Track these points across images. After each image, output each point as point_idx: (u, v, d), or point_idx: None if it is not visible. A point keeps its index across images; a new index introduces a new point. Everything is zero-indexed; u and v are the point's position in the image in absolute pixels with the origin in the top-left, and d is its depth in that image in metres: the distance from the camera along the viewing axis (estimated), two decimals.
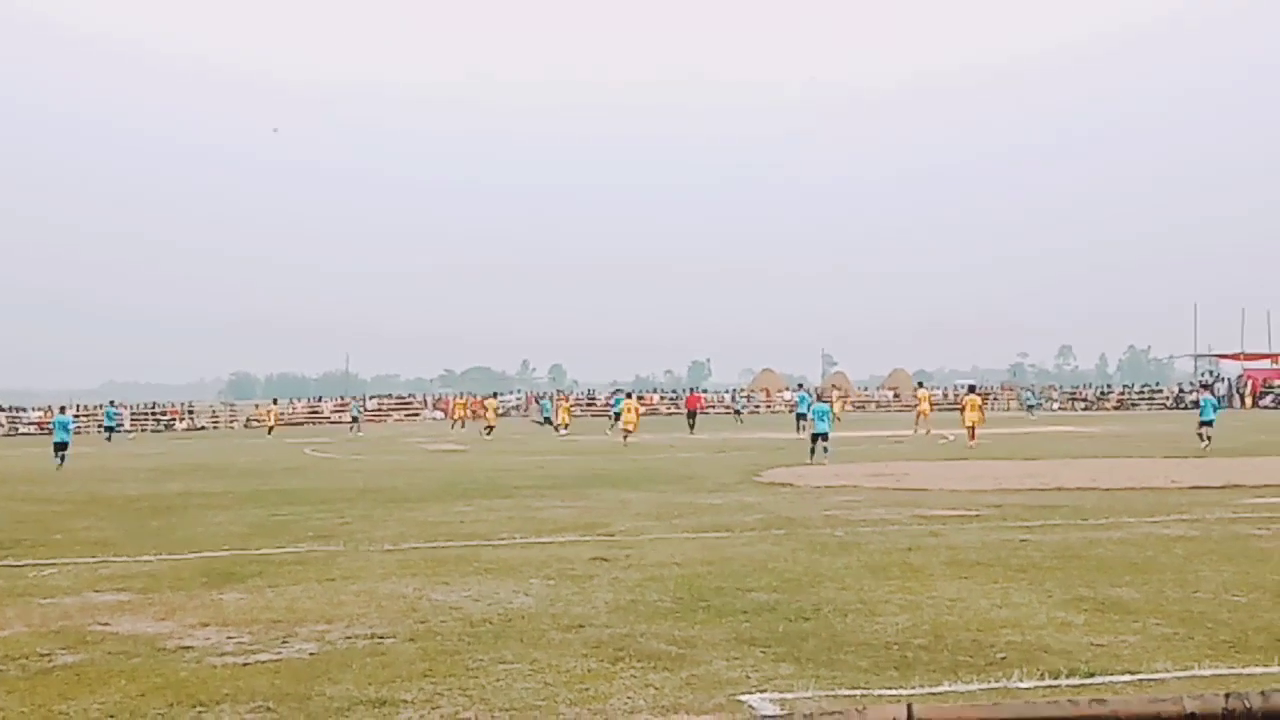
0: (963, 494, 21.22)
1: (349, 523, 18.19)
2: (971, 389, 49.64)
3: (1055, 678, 7.94)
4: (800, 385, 70.54)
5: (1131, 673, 8.06)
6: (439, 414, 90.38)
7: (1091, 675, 7.98)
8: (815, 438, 30.97)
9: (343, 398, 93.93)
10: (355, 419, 68.71)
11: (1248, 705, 1.68)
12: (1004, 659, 8.51)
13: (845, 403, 72.20)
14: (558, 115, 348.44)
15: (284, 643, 9.57)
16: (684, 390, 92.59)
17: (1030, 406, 75.62)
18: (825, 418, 31.66)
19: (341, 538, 16.30)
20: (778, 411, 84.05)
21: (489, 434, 53.28)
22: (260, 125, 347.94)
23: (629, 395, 57.69)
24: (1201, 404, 37.88)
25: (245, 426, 79.87)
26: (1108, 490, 21.44)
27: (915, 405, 51.18)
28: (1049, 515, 17.39)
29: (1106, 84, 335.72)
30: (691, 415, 58.42)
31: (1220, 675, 7.88)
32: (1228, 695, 1.69)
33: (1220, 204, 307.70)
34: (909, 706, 1.70)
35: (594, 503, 20.76)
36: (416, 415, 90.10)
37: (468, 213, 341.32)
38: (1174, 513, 17.44)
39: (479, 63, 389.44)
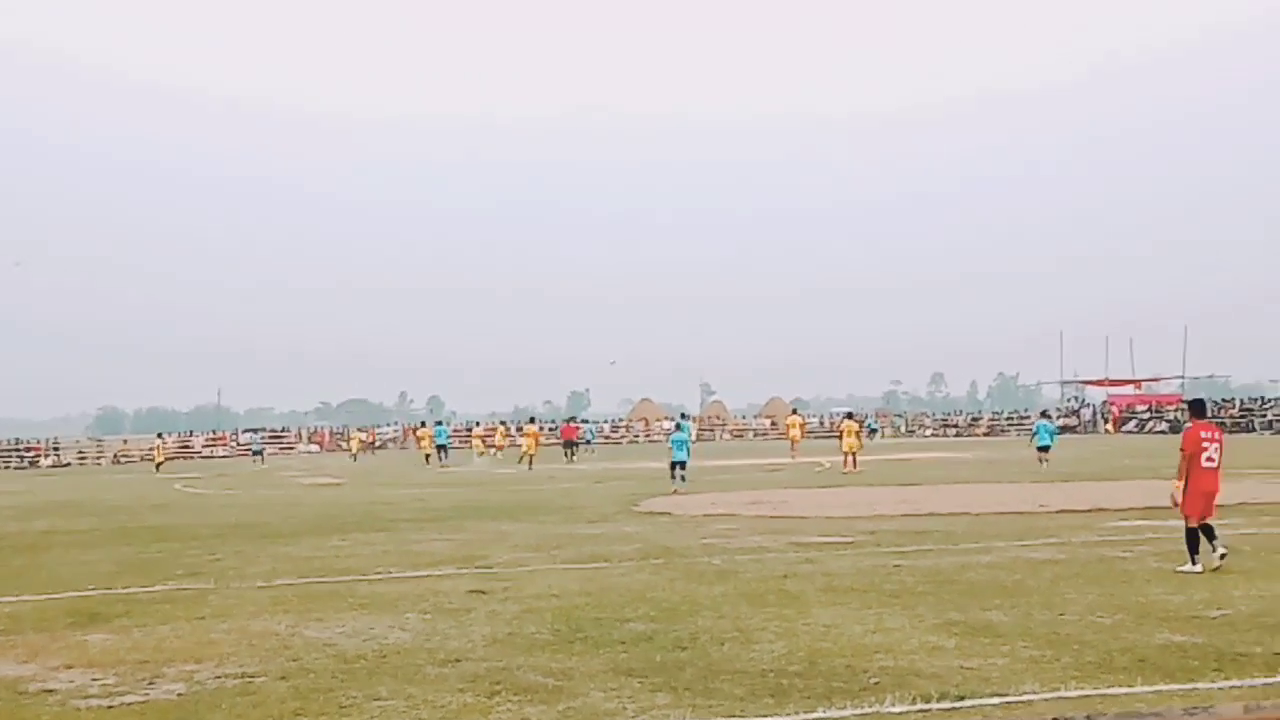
0: (838, 521, 21.45)
1: (220, 559, 17.83)
2: (849, 415, 50.51)
3: (927, 702, 8.05)
4: (684, 415, 70.87)
5: (1000, 695, 8.21)
6: (314, 447, 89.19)
7: (962, 698, 8.11)
8: (674, 465, 31.24)
9: (215, 431, 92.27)
10: (258, 452, 69.91)
11: None
12: (877, 684, 8.61)
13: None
14: (435, 140, 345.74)
15: (151, 684, 9.34)
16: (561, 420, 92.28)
17: (871, 430, 76.59)
18: (683, 447, 31.92)
19: (212, 575, 15.97)
20: (656, 440, 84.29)
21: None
22: (101, 127, 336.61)
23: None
24: (1037, 429, 39.48)
25: (114, 462, 77.95)
26: (978, 515, 21.84)
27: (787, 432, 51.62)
28: (922, 540, 17.67)
29: (977, 132, 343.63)
30: (569, 445, 58.80)
31: (1086, 696, 8.06)
32: (1087, 717, 1.74)
33: (1085, 238, 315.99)
34: None
35: (472, 535, 20.61)
36: (291, 448, 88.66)
37: (345, 234, 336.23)
38: (1042, 537, 17.82)
39: (373, 80, 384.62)
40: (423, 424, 71.12)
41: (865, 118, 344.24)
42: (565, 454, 58.34)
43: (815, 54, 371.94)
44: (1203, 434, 14.44)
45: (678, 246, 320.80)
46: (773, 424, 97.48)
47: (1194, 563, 13.83)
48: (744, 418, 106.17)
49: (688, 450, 32.37)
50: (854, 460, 38.96)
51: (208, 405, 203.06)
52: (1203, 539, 13.98)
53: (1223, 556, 13.89)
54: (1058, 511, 22.19)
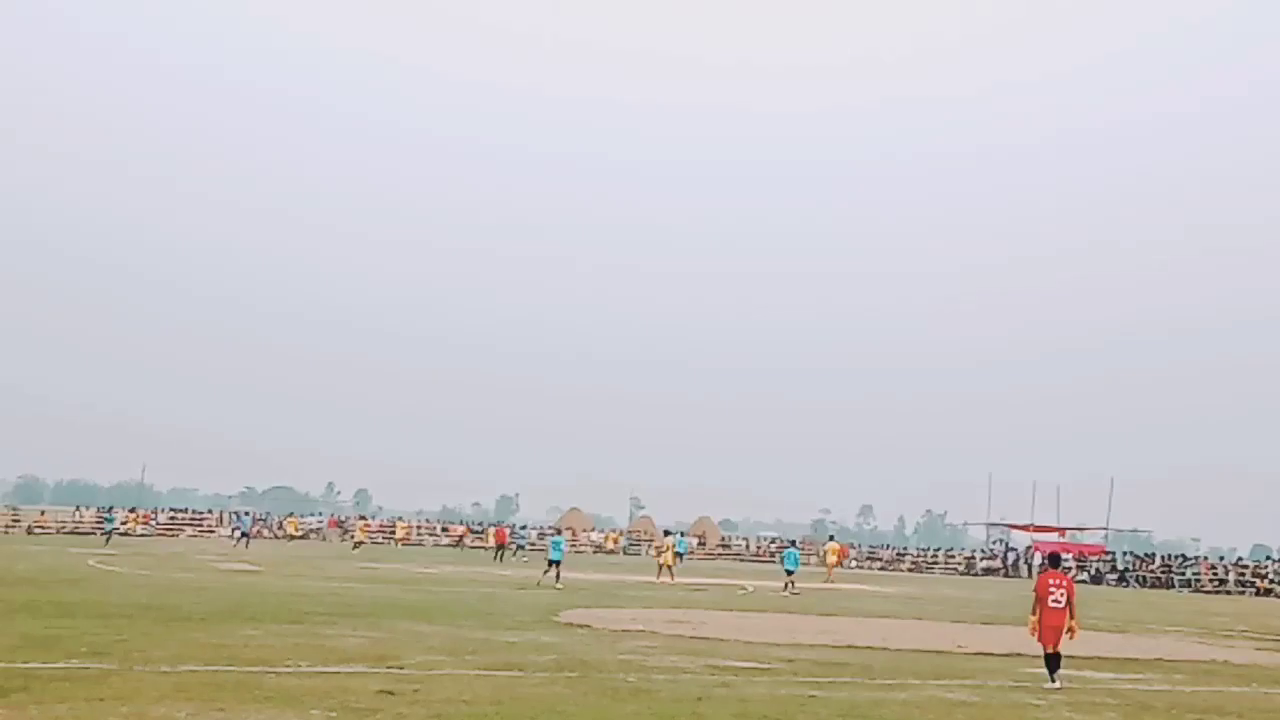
0: (757, 646, 21.35)
1: (126, 640, 17.43)
2: (831, 538, 53.36)
3: None
4: (681, 533, 71.17)
5: None
6: (237, 532, 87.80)
7: None
8: (551, 563, 39.42)
9: (142, 508, 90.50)
10: (245, 534, 67.48)
11: None
12: None
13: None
14: (364, 217, 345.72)
15: None
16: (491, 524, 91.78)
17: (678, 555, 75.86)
18: (559, 548, 40.51)
19: (117, 655, 15.60)
20: (581, 551, 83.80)
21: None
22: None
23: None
24: (785, 555, 45.24)
25: (28, 533, 76.21)
26: (897, 651, 21.81)
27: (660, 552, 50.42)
28: (839, 672, 17.61)
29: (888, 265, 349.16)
30: (500, 548, 59.26)
31: None
32: None
33: (1018, 379, 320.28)
34: None
35: (387, 633, 20.31)
36: (211, 532, 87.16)
37: (280, 325, 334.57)
38: (958, 677, 17.81)
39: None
40: (362, 516, 72.49)
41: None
42: (495, 556, 59.05)
43: None
44: (1050, 581, 17.74)
45: (616, 366, 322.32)
46: (700, 542, 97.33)
47: (1053, 680, 16.97)
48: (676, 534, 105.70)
49: (562, 551, 40.81)
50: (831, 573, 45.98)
51: (129, 481, 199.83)
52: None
53: (1055, 687, 16.62)
54: (975, 653, 22.23)
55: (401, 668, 15.75)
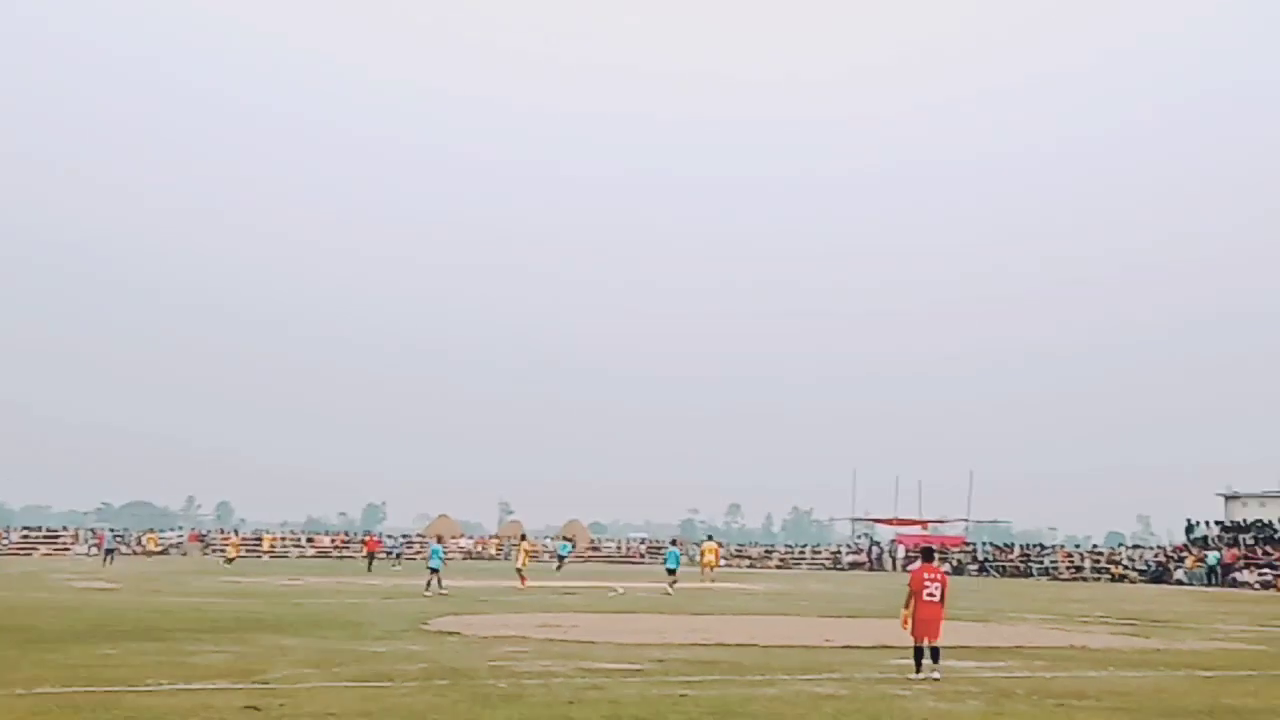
0: (628, 647, 21.40)
1: None
2: (709, 537, 55.64)
3: None
4: (674, 541, 70.75)
5: None
6: (93, 549, 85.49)
7: None
8: (432, 570, 40.08)
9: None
10: (110, 551, 66.66)
11: None
12: None
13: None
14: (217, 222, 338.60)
15: None
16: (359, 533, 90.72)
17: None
18: (438, 555, 41.60)
19: None
20: (451, 557, 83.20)
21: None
22: None
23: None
24: (667, 555, 46.98)
25: None
26: (766, 647, 22.04)
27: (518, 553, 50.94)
28: (709, 670, 17.74)
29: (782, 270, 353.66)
30: (370, 557, 62.29)
31: None
32: None
33: (878, 386, 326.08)
34: None
35: (251, 648, 19.93)
36: (66, 550, 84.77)
37: (131, 335, 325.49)
38: (826, 671, 18.06)
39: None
40: (221, 531, 72.17)
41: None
42: (368, 566, 60.58)
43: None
44: (925, 575, 18.06)
45: (480, 369, 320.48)
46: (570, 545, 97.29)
47: (918, 671, 17.23)
48: (542, 539, 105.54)
49: (441, 559, 41.74)
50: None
51: None
52: (926, 658, 17.38)
53: (935, 679, 16.78)
54: (842, 646, 22.56)
55: (267, 683, 15.47)
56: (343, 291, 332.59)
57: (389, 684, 15.55)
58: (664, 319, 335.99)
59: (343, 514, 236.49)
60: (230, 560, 65.30)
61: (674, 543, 58.29)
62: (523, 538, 56.04)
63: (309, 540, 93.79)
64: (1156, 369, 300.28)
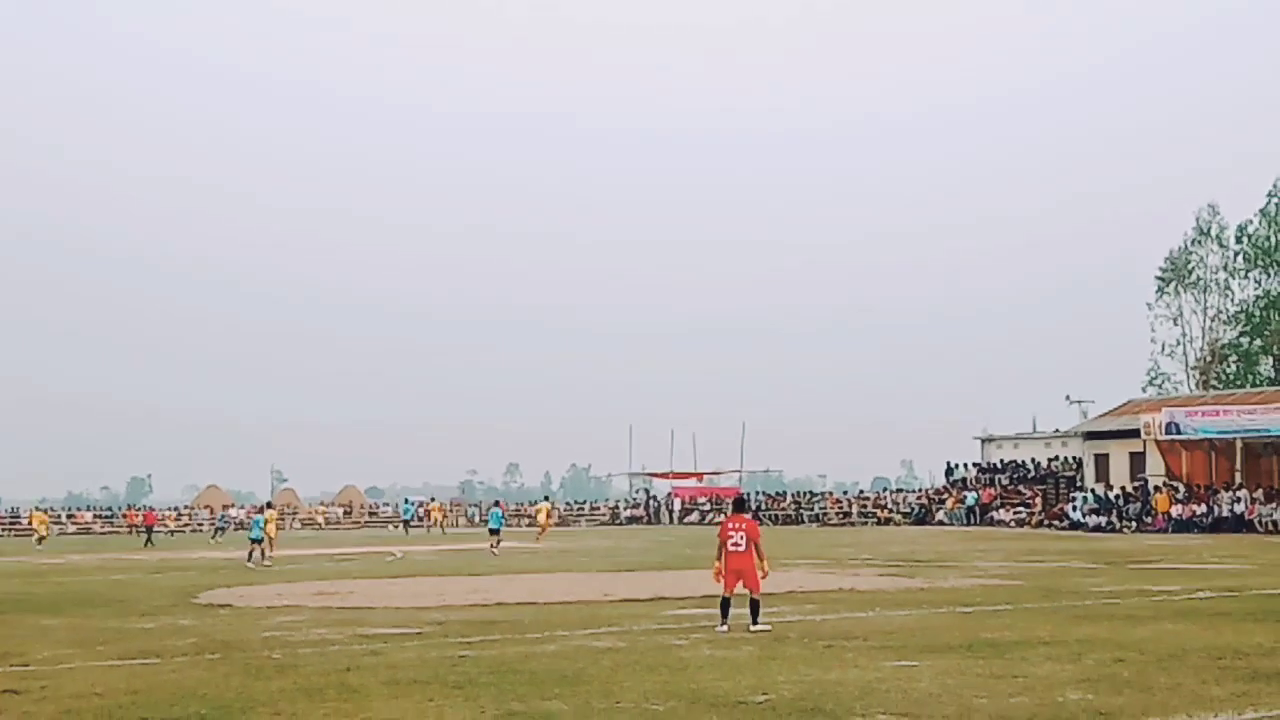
0: (406, 611, 21.22)
1: None
2: (546, 498, 67.60)
3: None
4: (498, 502, 70.04)
5: None
6: None
7: None
8: (254, 542, 39.16)
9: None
10: (220, 528, 65.87)
11: None
12: None
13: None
14: None
15: None
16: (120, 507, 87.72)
17: (405, 520, 76.71)
18: (259, 526, 40.26)
19: None
20: (224, 528, 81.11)
21: None
22: None
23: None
24: (490, 515, 48.76)
25: None
26: (545, 605, 22.13)
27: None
28: (488, 631, 17.71)
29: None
30: (148, 531, 62.11)
31: None
32: None
33: (652, 327, 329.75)
34: None
35: (8, 630, 19.07)
36: None
37: None
38: (605, 625, 18.23)
39: None
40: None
41: None
42: (147, 541, 59.43)
43: None
44: (730, 525, 17.86)
45: (255, 337, 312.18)
46: (346, 512, 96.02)
47: (723, 623, 17.05)
48: (317, 505, 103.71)
49: (261, 530, 40.00)
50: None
51: None
52: (733, 610, 17.24)
53: (756, 630, 16.75)
54: (621, 600, 22.80)
55: (26, 665, 14.83)
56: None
57: (157, 660, 15.06)
58: (438, 267, 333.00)
59: (105, 488, 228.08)
60: (41, 540, 62.59)
61: (496, 504, 58.95)
62: (268, 505, 54.92)
63: (69, 516, 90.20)
64: (915, 327, 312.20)
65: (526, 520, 77.37)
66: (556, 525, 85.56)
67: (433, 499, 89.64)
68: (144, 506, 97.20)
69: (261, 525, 40.31)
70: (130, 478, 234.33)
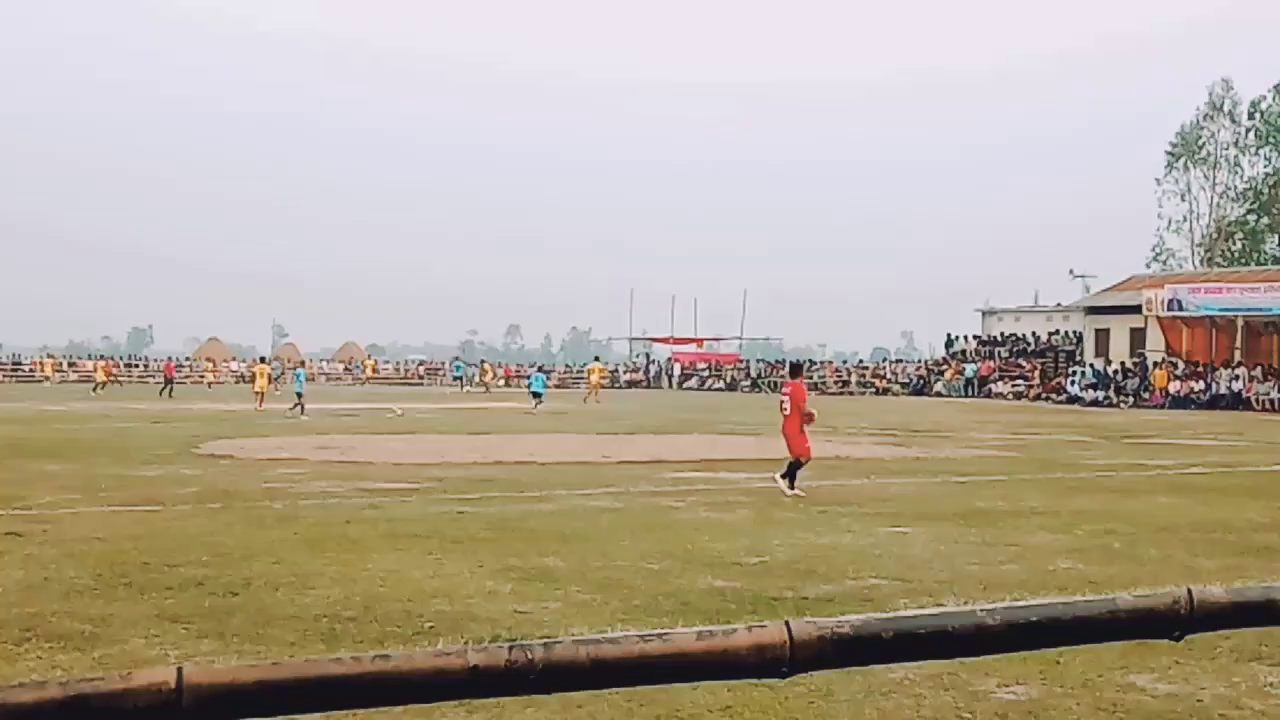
0: (407, 468, 21.41)
1: None
2: (596, 358, 66.34)
3: (479, 644, 8.13)
4: (540, 366, 72.01)
5: (549, 637, 8.39)
6: None
7: (513, 640, 8.23)
8: (298, 395, 40.96)
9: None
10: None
11: (530, 656, 1.75)
12: (432, 628, 8.64)
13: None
14: None
15: None
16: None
17: (458, 378, 77.55)
18: (300, 379, 42.26)
19: None
20: (224, 382, 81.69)
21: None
22: None
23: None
24: (533, 378, 51.71)
25: None
26: (544, 465, 22.32)
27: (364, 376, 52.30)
28: (488, 488, 17.89)
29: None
30: (168, 383, 61.27)
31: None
32: (510, 647, 1.76)
33: (662, 196, 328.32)
34: (179, 670, 1.63)
35: (10, 474, 19.24)
36: None
37: None
38: (602, 486, 18.39)
39: None
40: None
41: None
42: (161, 391, 58.95)
43: None
44: (783, 390, 19.00)
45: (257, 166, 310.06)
46: (346, 368, 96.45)
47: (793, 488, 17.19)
48: (318, 360, 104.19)
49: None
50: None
51: None
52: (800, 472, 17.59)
53: (776, 483, 17.27)
54: (620, 462, 22.98)
55: (29, 508, 15.00)
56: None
57: (159, 508, 15.23)
58: (434, 148, 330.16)
59: (106, 337, 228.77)
60: (99, 386, 63.24)
61: (540, 368, 60.12)
62: (261, 360, 55.19)
63: (70, 365, 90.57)
64: (923, 194, 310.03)
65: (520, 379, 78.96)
66: (558, 386, 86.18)
67: (483, 361, 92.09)
68: (164, 358, 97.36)
69: (303, 379, 40.83)
70: (131, 328, 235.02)
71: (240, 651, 7.93)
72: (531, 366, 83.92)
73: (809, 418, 18.20)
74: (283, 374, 66.52)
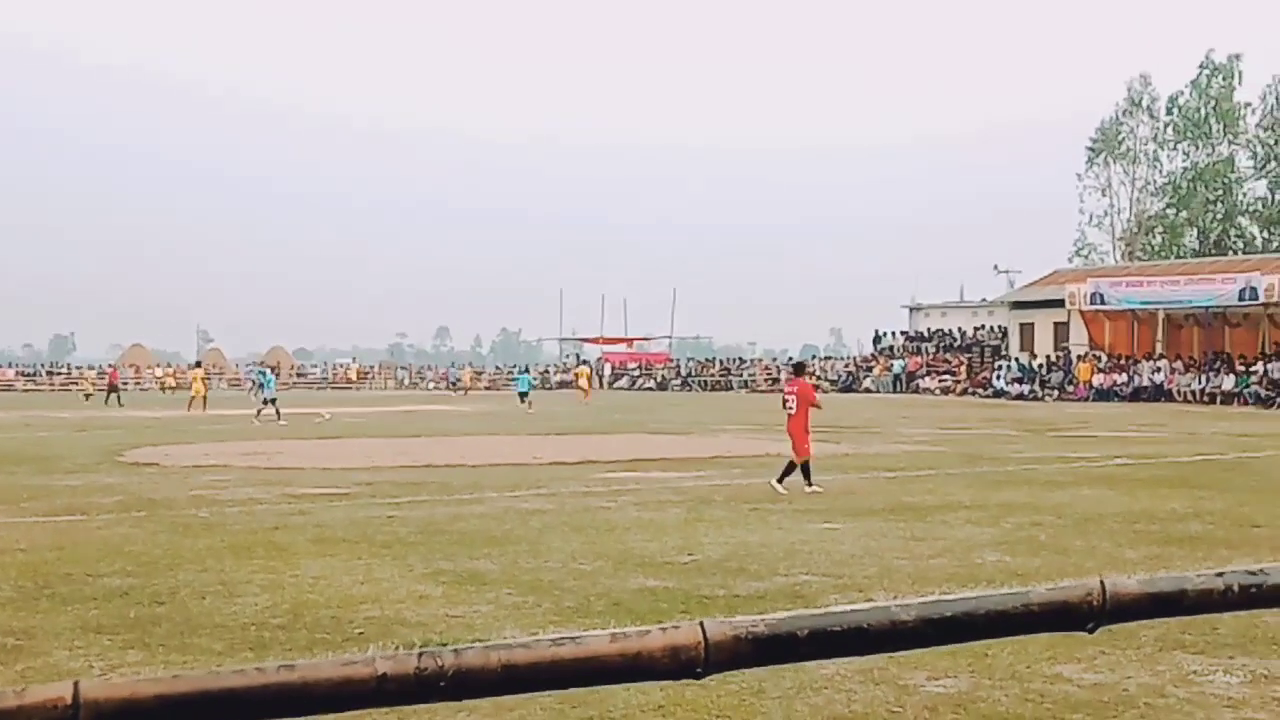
0: (335, 472, 21.23)
1: None
2: (584, 362, 68.69)
3: (410, 649, 8.06)
4: (527, 368, 71.55)
5: (481, 640, 8.33)
6: None
7: (444, 645, 8.18)
8: (267, 401, 39.46)
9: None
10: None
11: (440, 663, 1.73)
12: (361, 634, 8.56)
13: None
14: None
15: None
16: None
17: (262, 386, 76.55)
18: (270, 385, 40.78)
19: None
20: (147, 389, 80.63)
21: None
22: None
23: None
24: (516, 380, 54.93)
25: None
26: (475, 466, 22.22)
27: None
28: (417, 491, 17.77)
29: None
30: (112, 390, 59.15)
31: (541, 641, 8.32)
32: (420, 654, 1.73)
33: (581, 204, 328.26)
34: (76, 685, 1.59)
35: None
36: None
37: None
38: (533, 487, 18.33)
39: None
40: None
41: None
42: (108, 399, 57.65)
43: None
44: (786, 388, 18.96)
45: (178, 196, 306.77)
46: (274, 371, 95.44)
47: (809, 485, 17.38)
48: (241, 366, 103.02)
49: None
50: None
51: None
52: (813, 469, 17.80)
53: (775, 487, 17.14)
54: (549, 463, 22.92)
55: None
56: None
57: (81, 517, 14.98)
58: (360, 144, 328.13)
59: (28, 345, 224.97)
60: (89, 396, 62.27)
61: (525, 369, 60.32)
62: (197, 364, 54.62)
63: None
64: (846, 190, 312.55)
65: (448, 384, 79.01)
66: (487, 389, 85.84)
67: (468, 364, 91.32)
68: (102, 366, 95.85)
69: (273, 384, 40.36)
70: (53, 335, 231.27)
71: (166, 662, 7.82)
72: (514, 368, 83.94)
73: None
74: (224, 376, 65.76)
